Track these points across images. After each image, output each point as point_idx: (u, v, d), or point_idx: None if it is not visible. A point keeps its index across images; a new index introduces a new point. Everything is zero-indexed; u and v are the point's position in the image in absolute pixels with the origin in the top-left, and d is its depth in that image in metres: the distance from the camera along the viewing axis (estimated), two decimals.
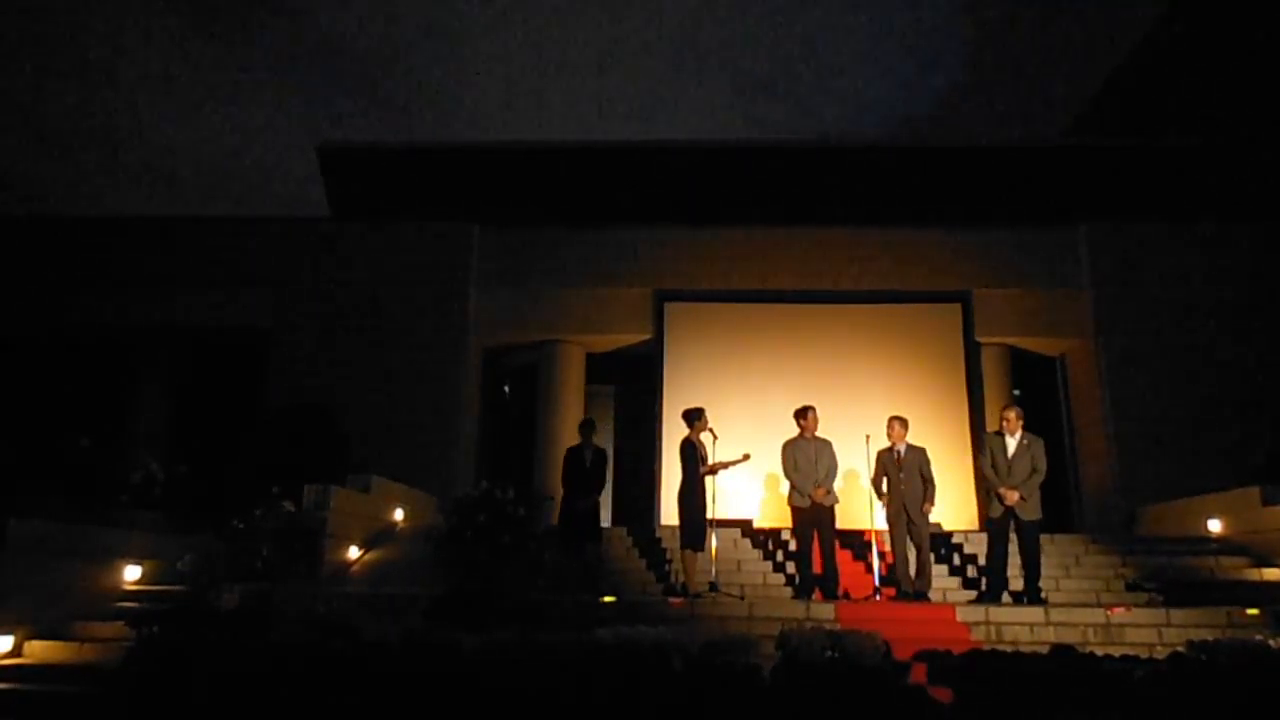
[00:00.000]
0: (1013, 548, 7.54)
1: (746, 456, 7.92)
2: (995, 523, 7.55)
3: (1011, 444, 7.61)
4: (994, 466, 7.60)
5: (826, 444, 8.00)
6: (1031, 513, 7.44)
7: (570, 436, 12.84)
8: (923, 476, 7.82)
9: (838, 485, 8.03)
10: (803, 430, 8.04)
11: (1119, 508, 11.53)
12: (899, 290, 12.73)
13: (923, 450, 7.91)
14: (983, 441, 7.94)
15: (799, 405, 8.28)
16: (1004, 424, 7.73)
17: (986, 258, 12.78)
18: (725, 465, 7.87)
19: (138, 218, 14.50)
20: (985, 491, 7.69)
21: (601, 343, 13.11)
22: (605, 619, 5.79)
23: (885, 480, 7.93)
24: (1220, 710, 4.39)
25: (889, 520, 7.87)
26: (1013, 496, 7.40)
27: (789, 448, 8.03)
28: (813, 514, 7.79)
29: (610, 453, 15.42)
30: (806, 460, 7.89)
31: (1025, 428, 7.66)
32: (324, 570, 8.00)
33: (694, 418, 7.89)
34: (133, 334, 13.22)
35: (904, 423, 7.97)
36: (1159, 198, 13.12)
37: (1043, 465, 7.52)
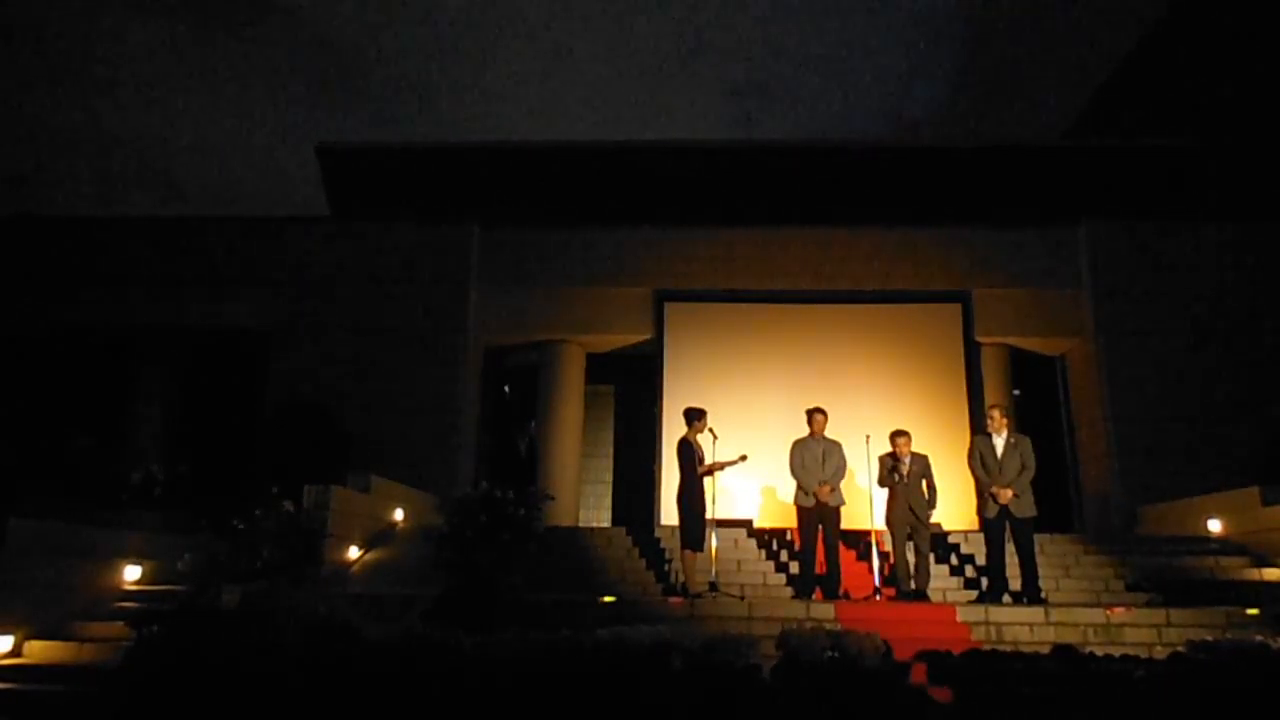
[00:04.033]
0: (1010, 547, 7.57)
1: (743, 458, 7.94)
2: (991, 523, 7.57)
3: (999, 443, 7.67)
4: (984, 467, 7.64)
5: (836, 445, 8.05)
6: (1025, 510, 7.49)
7: (571, 436, 12.90)
8: (927, 484, 7.90)
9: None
10: (812, 430, 8.08)
11: (1119, 508, 11.53)
12: (899, 290, 12.73)
13: (925, 458, 7.98)
14: (971, 443, 7.94)
15: (801, 405, 8.33)
16: (990, 422, 7.80)
17: (986, 258, 12.77)
18: (721, 466, 7.87)
19: (138, 218, 14.49)
20: (981, 493, 7.70)
21: (601, 343, 13.10)
22: (605, 619, 5.79)
23: (888, 490, 7.98)
24: (1220, 710, 4.39)
25: (890, 523, 7.90)
26: (1007, 495, 7.44)
27: (797, 447, 8.07)
28: (818, 513, 7.82)
29: (610, 452, 15.57)
30: (814, 460, 7.94)
31: (1016, 427, 7.70)
32: (324, 570, 7.98)
33: (694, 417, 7.90)
34: (133, 334, 13.20)
35: (908, 436, 8.03)
36: (1159, 198, 13.13)
37: (1032, 462, 7.59)
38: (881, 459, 8.04)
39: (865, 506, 8.69)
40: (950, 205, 13.25)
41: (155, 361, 13.54)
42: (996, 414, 7.82)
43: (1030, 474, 7.55)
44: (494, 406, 14.19)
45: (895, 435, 8.03)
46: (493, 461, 13.93)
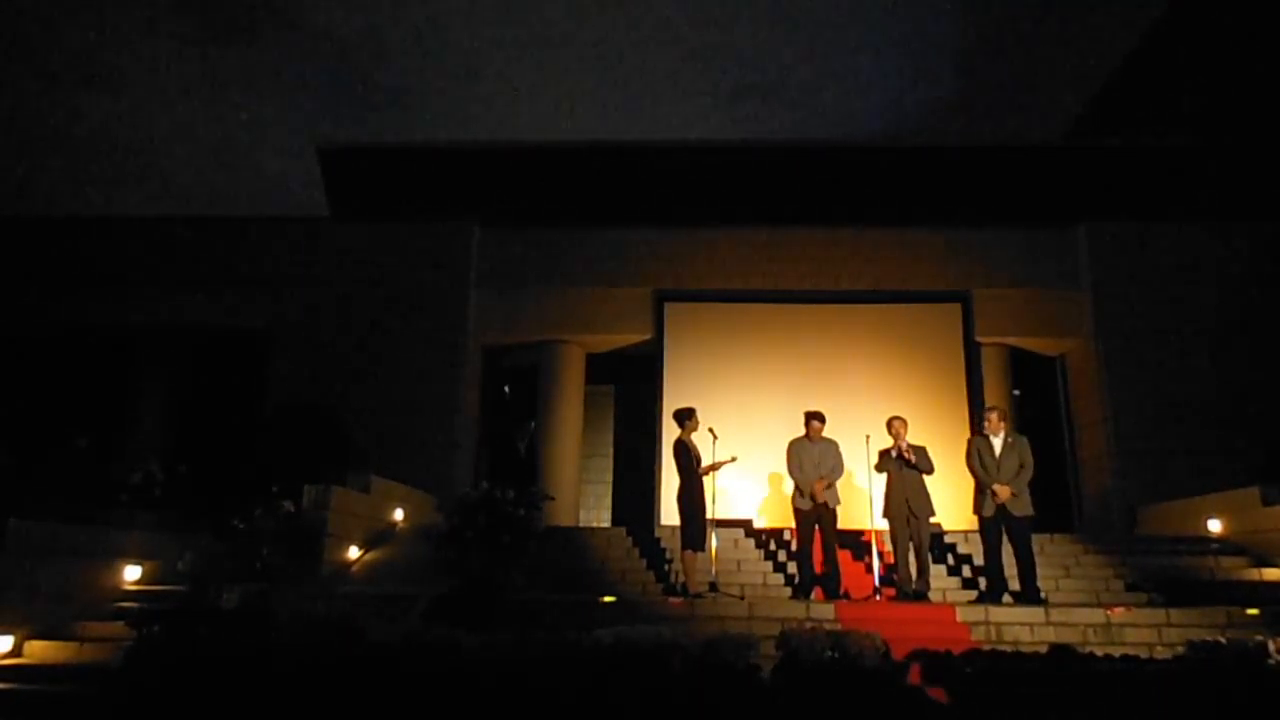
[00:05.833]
0: (1008, 547, 7.57)
1: (733, 459, 8.01)
2: (988, 522, 7.58)
3: (997, 443, 7.72)
4: (983, 466, 7.66)
5: (832, 444, 8.07)
6: (1023, 509, 7.51)
7: (571, 436, 12.91)
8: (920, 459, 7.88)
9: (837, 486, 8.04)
10: (808, 434, 8.09)
11: (1119, 508, 11.53)
12: (899, 290, 12.73)
13: (923, 449, 7.94)
14: (969, 443, 7.94)
15: (801, 405, 8.37)
16: (987, 424, 7.86)
17: (986, 258, 12.78)
18: (719, 466, 7.93)
19: (138, 218, 14.49)
20: (981, 490, 7.71)
21: (601, 343, 13.10)
22: (605, 619, 5.79)
23: (886, 478, 7.96)
24: (1220, 710, 4.39)
25: (889, 517, 7.90)
26: (1005, 492, 7.45)
27: (794, 448, 8.08)
28: (814, 515, 7.82)
29: (610, 452, 15.57)
30: (810, 462, 7.95)
31: (1015, 427, 7.71)
32: (324, 570, 8.00)
33: (684, 418, 7.93)
34: (133, 334, 13.21)
35: (905, 423, 8.03)
36: (1159, 198, 13.11)
37: (1030, 461, 7.63)
38: (881, 453, 8.05)
39: (864, 506, 8.69)
40: (950, 205, 13.24)
41: (155, 361, 13.55)
42: (994, 416, 7.88)
43: (1029, 474, 7.58)
44: (494, 406, 14.19)
45: (893, 420, 8.04)
46: (493, 461, 13.92)
